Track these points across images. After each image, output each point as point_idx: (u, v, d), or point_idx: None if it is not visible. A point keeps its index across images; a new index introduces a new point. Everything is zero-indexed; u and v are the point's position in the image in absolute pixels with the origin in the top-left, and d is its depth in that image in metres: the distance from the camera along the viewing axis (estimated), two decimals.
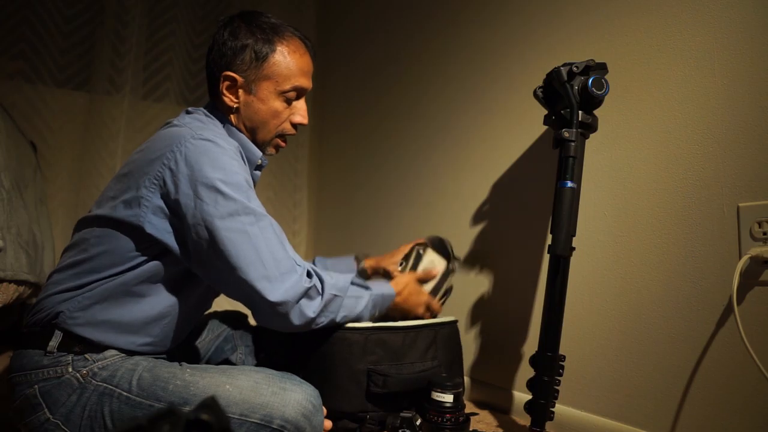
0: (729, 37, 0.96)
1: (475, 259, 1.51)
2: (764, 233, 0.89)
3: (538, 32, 1.36)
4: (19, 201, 1.38)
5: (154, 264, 0.91)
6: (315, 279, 0.97)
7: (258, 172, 1.12)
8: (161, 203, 0.90)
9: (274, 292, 0.89)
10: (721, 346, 0.94)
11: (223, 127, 1.04)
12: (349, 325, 1.08)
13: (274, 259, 0.91)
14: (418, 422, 1.01)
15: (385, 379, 1.06)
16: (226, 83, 1.02)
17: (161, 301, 0.94)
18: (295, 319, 0.93)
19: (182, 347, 1.12)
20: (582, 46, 1.23)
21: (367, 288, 1.10)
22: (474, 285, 1.49)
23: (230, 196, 0.89)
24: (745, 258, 0.89)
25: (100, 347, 0.90)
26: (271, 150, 1.10)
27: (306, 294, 0.94)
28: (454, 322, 1.32)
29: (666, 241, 1.04)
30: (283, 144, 1.10)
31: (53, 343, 0.88)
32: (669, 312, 1.02)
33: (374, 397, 1.07)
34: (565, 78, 1.05)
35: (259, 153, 1.07)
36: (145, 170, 0.91)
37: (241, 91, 1.03)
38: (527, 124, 1.36)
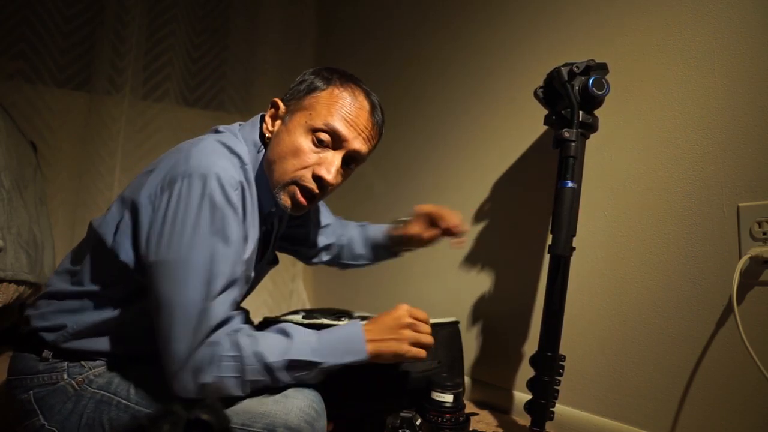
0: (729, 37, 0.96)
1: (475, 259, 1.51)
2: (764, 233, 0.89)
3: (538, 32, 1.36)
4: (19, 201, 1.38)
5: (135, 279, 0.86)
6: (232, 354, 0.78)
7: (267, 226, 0.99)
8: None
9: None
10: (721, 346, 0.94)
11: (255, 155, 0.93)
12: None
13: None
14: (418, 422, 1.01)
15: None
16: (271, 110, 0.94)
17: (145, 310, 0.89)
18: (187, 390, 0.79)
19: None
20: (582, 46, 1.23)
21: (315, 364, 0.82)
22: (474, 285, 1.49)
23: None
24: (745, 258, 0.89)
25: (93, 354, 0.89)
26: (284, 198, 0.90)
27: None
28: (455, 322, 1.32)
29: (666, 241, 1.04)
30: (301, 198, 0.89)
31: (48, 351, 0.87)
32: (669, 312, 1.02)
33: (374, 396, 1.07)
34: (566, 78, 1.05)
35: (271, 201, 0.93)
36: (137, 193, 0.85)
37: (279, 122, 0.93)
38: (527, 124, 1.36)
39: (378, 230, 1.27)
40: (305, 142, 0.88)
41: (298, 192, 0.89)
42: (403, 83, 1.89)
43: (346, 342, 0.85)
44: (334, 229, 1.29)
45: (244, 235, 0.86)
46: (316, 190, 0.89)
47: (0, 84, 2.00)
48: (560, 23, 1.30)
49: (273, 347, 0.80)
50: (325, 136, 0.88)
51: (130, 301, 0.88)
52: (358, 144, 0.91)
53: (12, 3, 2.04)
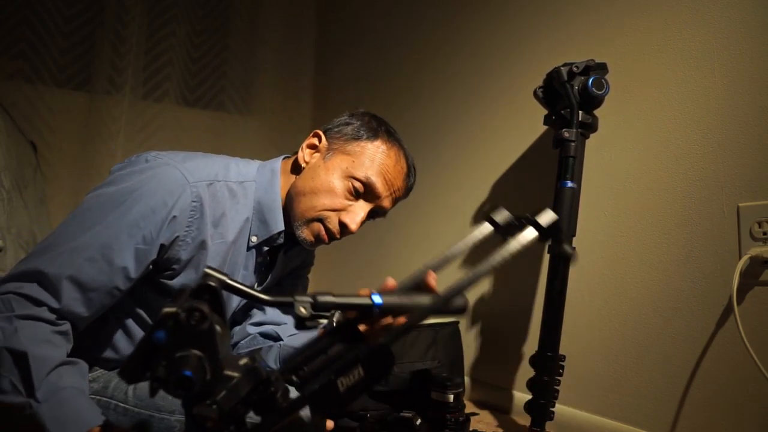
0: (729, 37, 0.96)
1: (475, 259, 1.51)
2: (764, 233, 0.89)
3: (538, 32, 1.36)
4: (19, 201, 1.38)
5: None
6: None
7: (259, 258, 0.93)
8: None
9: None
10: (721, 346, 0.94)
11: (270, 178, 0.92)
12: None
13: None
14: (418, 422, 1.01)
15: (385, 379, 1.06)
16: (312, 140, 0.94)
17: (127, 317, 0.88)
18: None
19: None
20: (582, 46, 1.23)
21: (30, 385, 0.67)
22: (474, 285, 1.48)
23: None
24: (745, 258, 0.89)
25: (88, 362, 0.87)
26: (306, 233, 0.90)
27: None
28: (455, 322, 1.33)
29: (666, 241, 1.04)
30: (325, 237, 0.90)
31: None
32: (669, 312, 1.02)
33: (375, 396, 1.07)
34: (566, 78, 1.05)
35: (280, 226, 0.91)
36: None
37: (317, 155, 0.93)
38: (527, 124, 1.36)
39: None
40: (340, 186, 0.89)
41: (323, 230, 0.89)
42: (402, 83, 1.89)
43: (76, 412, 0.67)
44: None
45: (173, 238, 0.81)
46: (338, 236, 0.90)
47: (0, 84, 2.00)
48: (560, 23, 1.30)
49: (35, 336, 0.69)
50: (360, 187, 0.89)
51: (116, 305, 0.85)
52: (387, 203, 0.93)
53: (12, 3, 2.03)
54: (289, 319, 1.04)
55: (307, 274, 1.13)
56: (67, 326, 0.74)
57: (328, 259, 2.34)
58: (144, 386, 0.85)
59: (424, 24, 1.80)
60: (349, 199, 0.90)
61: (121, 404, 0.84)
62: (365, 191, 0.90)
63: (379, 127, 0.94)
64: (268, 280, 0.99)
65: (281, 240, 0.93)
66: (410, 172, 0.96)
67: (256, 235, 0.91)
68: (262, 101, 2.36)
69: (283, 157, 0.98)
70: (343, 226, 0.89)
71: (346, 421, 1.06)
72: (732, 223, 0.93)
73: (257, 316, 1.04)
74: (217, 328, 0.43)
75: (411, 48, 1.86)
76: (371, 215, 0.94)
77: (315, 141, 0.94)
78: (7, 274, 0.75)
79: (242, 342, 1.02)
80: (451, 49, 1.66)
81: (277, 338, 0.97)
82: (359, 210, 0.90)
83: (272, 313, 1.04)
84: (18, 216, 1.33)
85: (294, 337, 0.94)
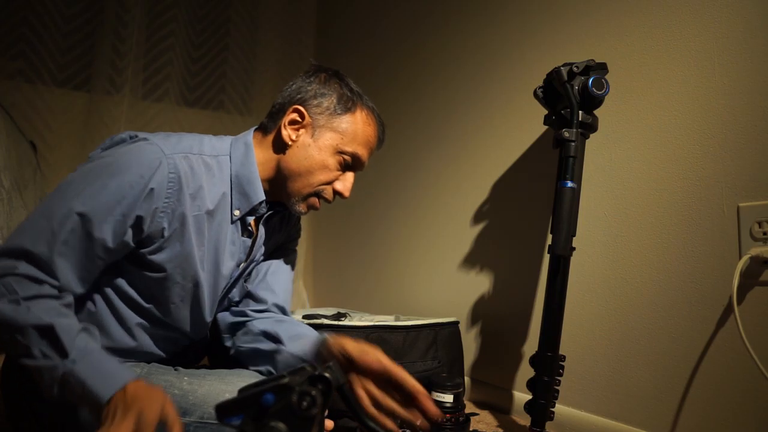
0: (729, 37, 0.96)
1: (475, 259, 1.51)
2: (764, 233, 0.89)
3: (538, 32, 1.36)
4: (19, 201, 1.38)
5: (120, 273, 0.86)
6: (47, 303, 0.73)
7: (244, 232, 0.95)
8: None
9: None
10: (721, 346, 0.94)
11: (244, 151, 0.95)
12: (349, 323, 1.07)
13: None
14: (419, 422, 1.01)
15: None
16: (293, 116, 0.96)
17: (134, 308, 0.89)
18: None
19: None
20: (582, 46, 1.23)
21: (64, 353, 0.70)
22: (474, 285, 1.49)
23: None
24: (745, 258, 0.89)
25: None
26: (302, 207, 0.98)
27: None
28: (456, 323, 1.33)
29: (666, 241, 1.04)
30: (318, 205, 0.99)
31: None
32: (669, 312, 1.02)
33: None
34: (566, 78, 1.05)
35: (261, 197, 0.94)
36: None
37: (303, 131, 0.96)
38: (527, 124, 1.36)
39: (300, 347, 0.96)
40: (333, 162, 0.96)
41: (317, 201, 0.98)
42: (402, 83, 1.89)
43: (111, 369, 0.71)
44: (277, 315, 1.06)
45: (153, 210, 0.82)
46: (329, 203, 1.00)
47: (0, 84, 2.00)
48: (560, 23, 1.30)
49: (49, 310, 0.72)
50: (350, 159, 0.98)
51: (102, 284, 0.86)
52: (367, 161, 1.02)
53: (12, 3, 2.03)
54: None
55: (295, 247, 1.17)
56: (70, 298, 0.77)
57: (328, 259, 2.34)
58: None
59: (424, 24, 1.80)
60: (341, 170, 0.98)
61: None
62: (353, 162, 0.98)
63: (352, 95, 0.99)
64: (253, 252, 1.02)
65: (264, 209, 0.98)
66: (382, 130, 1.04)
67: (238, 209, 0.94)
68: (262, 101, 2.36)
69: (253, 129, 1.01)
70: (337, 194, 0.99)
71: (346, 421, 1.06)
72: (732, 223, 0.94)
73: (261, 298, 1.05)
74: (317, 420, 0.46)
75: (411, 48, 1.86)
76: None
77: (296, 117, 0.96)
78: None
79: (245, 338, 1.00)
80: (452, 50, 1.66)
81: (278, 340, 0.96)
82: (350, 177, 1.00)
83: (272, 297, 1.05)
84: (18, 216, 1.33)
85: (295, 344, 0.93)
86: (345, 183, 0.99)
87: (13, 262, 0.73)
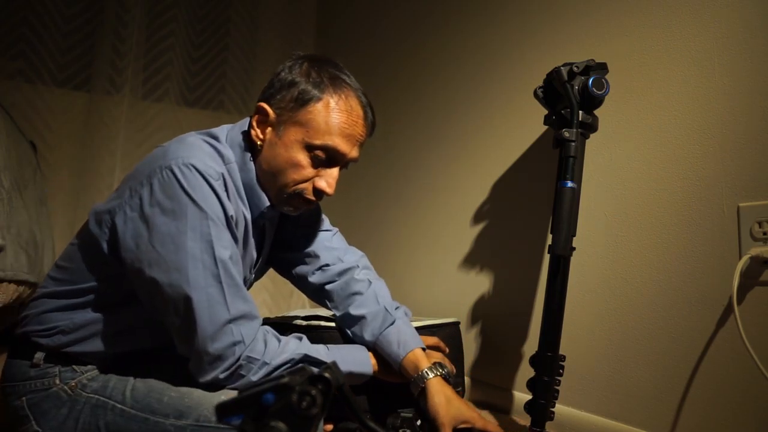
0: (729, 37, 0.96)
1: (475, 259, 1.51)
2: (764, 233, 0.89)
3: (538, 32, 1.36)
4: (19, 201, 1.38)
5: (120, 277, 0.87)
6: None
7: (256, 232, 0.98)
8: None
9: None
10: (721, 346, 0.94)
11: (242, 156, 0.93)
12: None
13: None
14: (418, 422, 1.01)
15: None
16: (258, 116, 0.91)
17: (133, 313, 0.89)
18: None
19: None
20: (582, 46, 1.23)
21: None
22: (474, 285, 1.49)
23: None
24: (745, 258, 0.89)
25: (85, 356, 0.88)
26: (287, 209, 0.95)
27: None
28: (456, 322, 1.32)
29: (666, 241, 1.04)
30: (305, 205, 0.94)
31: (39, 355, 0.86)
32: (669, 312, 1.02)
33: (375, 396, 1.07)
34: (566, 78, 1.05)
35: (266, 202, 0.93)
36: (122, 190, 0.86)
37: (269, 129, 0.91)
38: (527, 124, 1.36)
39: (403, 336, 1.01)
40: (304, 158, 0.88)
41: (302, 201, 0.93)
42: (402, 83, 1.89)
43: (353, 353, 0.95)
44: (345, 257, 1.14)
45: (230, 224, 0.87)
46: (318, 200, 0.93)
47: (0, 84, 2.00)
48: (560, 23, 1.30)
49: (291, 345, 0.87)
50: (322, 154, 0.88)
51: (122, 297, 0.87)
52: (355, 152, 0.93)
53: (12, 3, 2.04)
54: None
55: (322, 228, 1.14)
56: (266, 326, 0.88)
57: None
58: (140, 388, 0.85)
59: (424, 24, 1.80)
60: (317, 166, 0.90)
61: (119, 405, 0.84)
62: (329, 156, 0.89)
63: (321, 79, 0.90)
64: (264, 246, 1.06)
65: (271, 212, 0.96)
66: (367, 112, 0.94)
67: (250, 214, 0.95)
68: None
69: (241, 132, 0.96)
70: (319, 192, 0.91)
71: (346, 422, 1.06)
72: (732, 223, 0.93)
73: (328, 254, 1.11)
74: (317, 420, 0.46)
75: (411, 48, 1.86)
76: (343, 167, 0.94)
77: (260, 116, 0.91)
78: (200, 335, 0.79)
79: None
80: (452, 50, 1.66)
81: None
82: (330, 172, 0.91)
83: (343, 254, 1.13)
84: (18, 216, 1.33)
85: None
86: (327, 179, 0.90)
87: (221, 339, 0.80)
